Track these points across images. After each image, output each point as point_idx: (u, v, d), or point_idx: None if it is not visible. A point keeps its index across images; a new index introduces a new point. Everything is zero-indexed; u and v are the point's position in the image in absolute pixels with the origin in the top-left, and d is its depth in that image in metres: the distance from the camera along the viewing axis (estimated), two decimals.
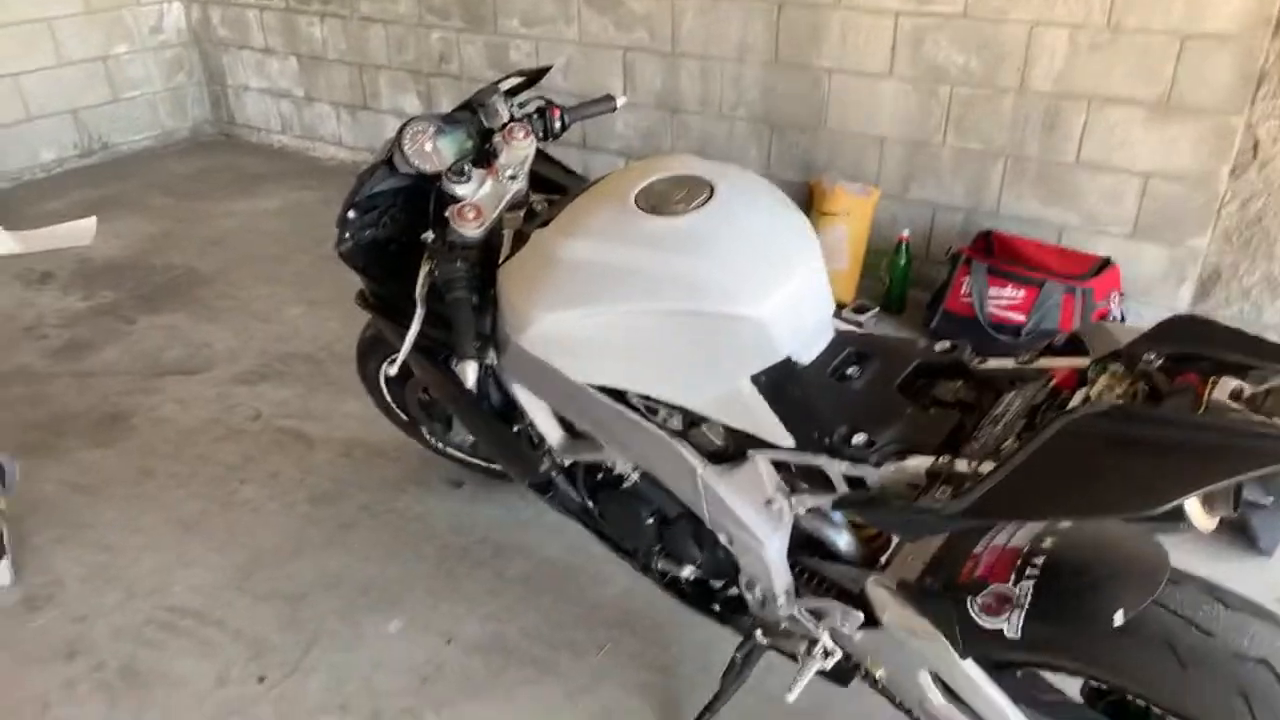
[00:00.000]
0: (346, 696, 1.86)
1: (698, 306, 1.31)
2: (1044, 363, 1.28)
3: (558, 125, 1.84)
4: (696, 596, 1.75)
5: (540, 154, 1.97)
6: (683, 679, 1.89)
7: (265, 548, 2.25)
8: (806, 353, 1.39)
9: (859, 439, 1.26)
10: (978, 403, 1.30)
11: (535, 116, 1.82)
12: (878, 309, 3.30)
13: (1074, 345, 1.27)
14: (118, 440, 2.65)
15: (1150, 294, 3.02)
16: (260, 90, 5.04)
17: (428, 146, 1.74)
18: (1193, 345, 1.07)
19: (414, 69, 4.38)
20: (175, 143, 5.14)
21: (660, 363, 1.41)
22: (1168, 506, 0.93)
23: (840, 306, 3.32)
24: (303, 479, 2.48)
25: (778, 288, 1.33)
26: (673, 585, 1.77)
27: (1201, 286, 2.95)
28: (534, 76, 1.91)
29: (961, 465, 1.17)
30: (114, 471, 2.51)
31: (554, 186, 1.90)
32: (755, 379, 1.37)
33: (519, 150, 1.71)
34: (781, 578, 1.49)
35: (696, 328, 1.33)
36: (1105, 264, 2.88)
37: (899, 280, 3.29)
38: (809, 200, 3.43)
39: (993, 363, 1.35)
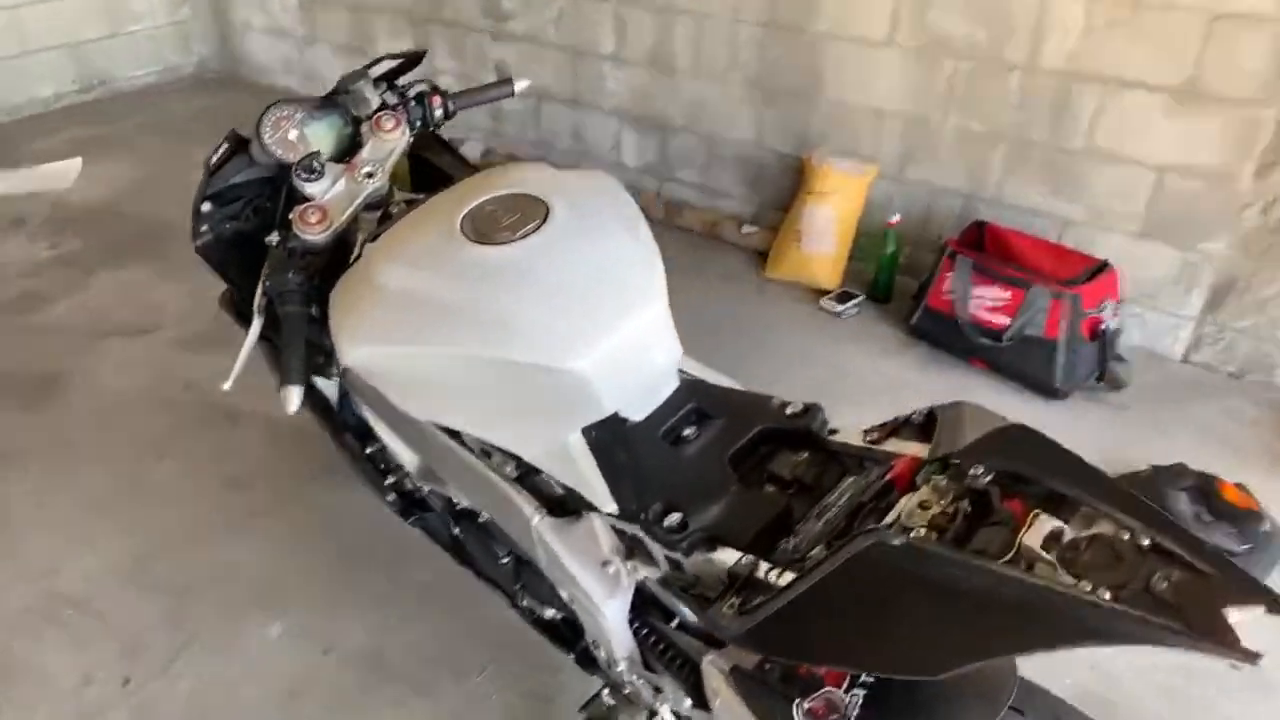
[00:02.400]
0: (208, 708, 1.79)
1: (512, 355, 1.14)
2: (893, 445, 1.10)
3: (438, 113, 1.66)
4: (564, 638, 1.62)
5: (434, 139, 1.80)
6: (562, 710, 1.77)
7: (167, 534, 2.17)
8: (639, 408, 1.22)
9: (672, 519, 1.10)
10: (816, 483, 1.13)
11: (412, 104, 1.64)
12: (862, 298, 3.07)
13: (931, 425, 1.08)
14: (47, 405, 2.60)
15: (1156, 300, 2.75)
16: (263, 29, 4.90)
17: (292, 134, 1.58)
18: (1027, 465, 0.88)
19: (410, 13, 4.19)
20: (179, 80, 5.05)
21: (486, 409, 1.25)
22: (946, 675, 0.77)
23: (823, 293, 3.11)
24: (221, 459, 2.40)
25: (604, 336, 1.16)
26: (539, 623, 1.64)
27: (1213, 295, 2.66)
28: (410, 60, 1.73)
29: (764, 570, 1.00)
30: (34, 440, 2.46)
31: (443, 178, 1.74)
32: (586, 432, 1.21)
33: (385, 143, 1.54)
34: (621, 643, 1.35)
35: (516, 377, 1.17)
36: (1102, 268, 2.61)
37: (886, 268, 3.06)
38: (799, 177, 3.20)
39: (844, 435, 1.17)
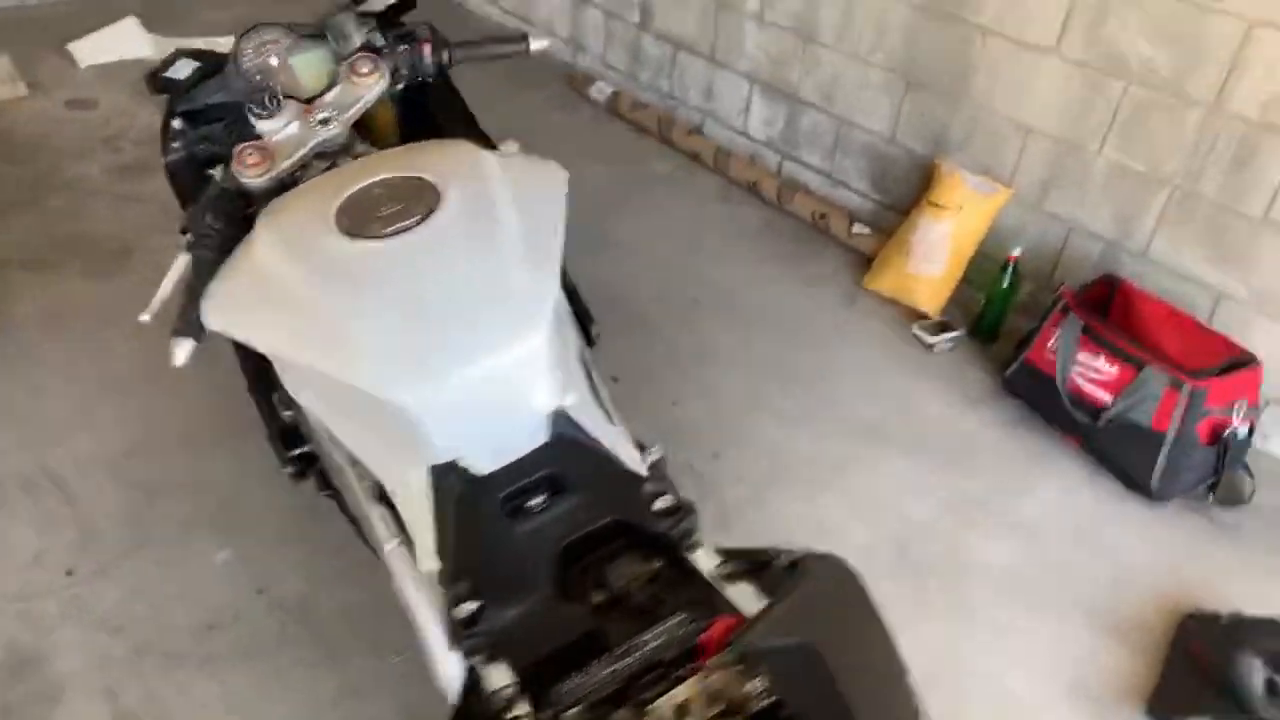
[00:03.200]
0: (130, 619, 1.78)
1: (340, 374, 0.99)
2: (739, 589, 0.88)
3: (427, 63, 1.49)
4: None
5: (444, 89, 1.64)
6: None
7: (163, 432, 2.18)
8: (487, 460, 1.04)
9: (466, 608, 0.93)
10: (639, 611, 0.93)
11: (401, 50, 1.48)
12: (961, 332, 2.72)
13: (798, 577, 0.85)
14: (112, 275, 2.67)
15: None
16: None
17: (273, 61, 1.45)
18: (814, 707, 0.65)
19: None
20: None
21: (342, 416, 1.11)
22: None
23: (920, 318, 2.77)
24: (237, 368, 2.39)
25: (446, 371, 0.98)
26: None
27: None
28: (400, 3, 1.56)
29: (522, 710, 0.82)
30: (89, 309, 2.54)
31: (432, 129, 1.58)
32: (435, 471, 1.04)
33: (354, 89, 1.39)
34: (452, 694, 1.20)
35: (355, 395, 1.01)
36: (1245, 362, 2.17)
37: (997, 305, 2.68)
38: (924, 183, 2.84)
39: (702, 554, 0.96)
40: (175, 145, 1.53)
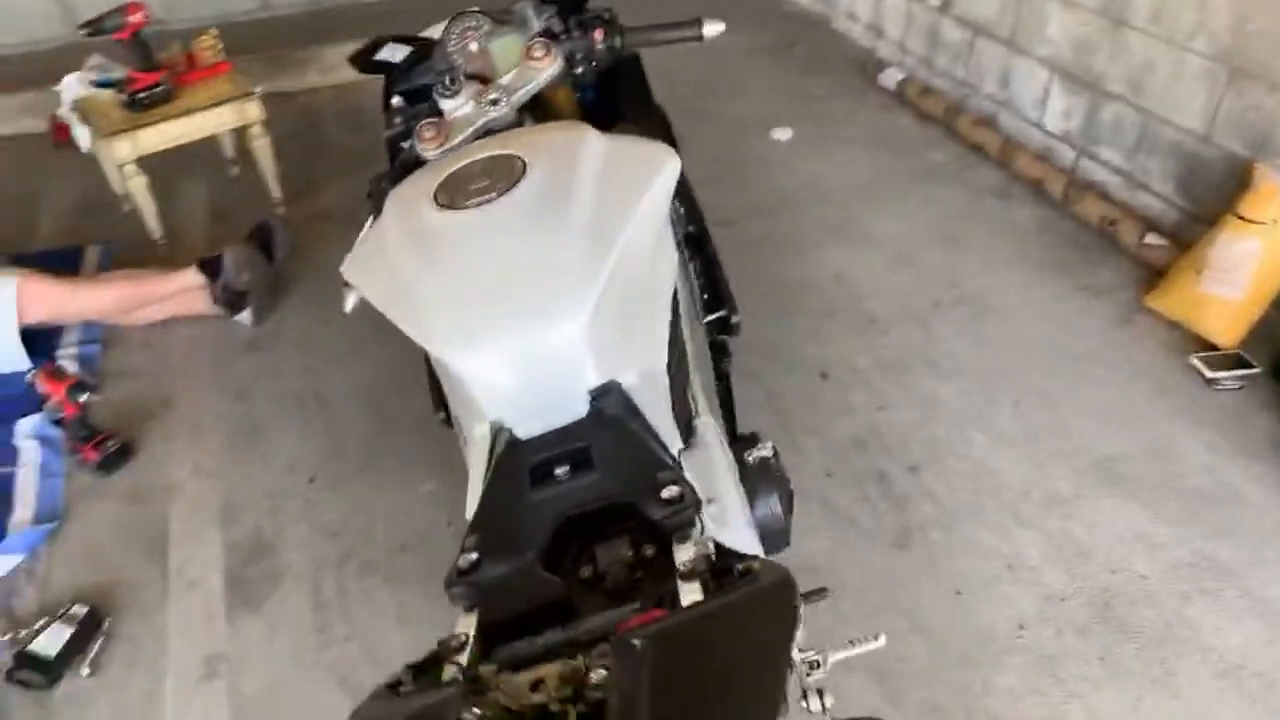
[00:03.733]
0: (345, 528, 2.08)
1: (412, 333, 1.09)
2: (688, 588, 0.85)
3: (600, 49, 1.55)
4: None
5: (627, 71, 1.69)
6: None
7: (410, 371, 2.49)
8: (526, 426, 1.09)
9: (465, 560, 0.99)
10: (604, 592, 0.93)
11: (576, 35, 1.55)
12: (1257, 371, 2.29)
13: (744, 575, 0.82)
14: None
15: None
16: None
17: (473, 47, 1.60)
18: None
19: None
20: None
21: (438, 371, 1.22)
22: None
23: (1206, 348, 2.37)
24: None
25: (491, 337, 1.04)
26: None
27: None
28: None
29: (462, 659, 0.87)
30: None
31: (615, 114, 1.64)
32: (492, 427, 1.12)
33: (527, 72, 1.49)
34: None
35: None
36: None
37: None
38: (1240, 191, 2.41)
39: (688, 547, 0.93)
40: (396, 121, 1.74)
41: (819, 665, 1.30)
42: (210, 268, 2.61)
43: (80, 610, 1.89)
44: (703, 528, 1.03)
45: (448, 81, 1.46)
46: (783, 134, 3.46)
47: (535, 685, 0.76)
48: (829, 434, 2.24)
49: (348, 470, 2.23)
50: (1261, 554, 1.90)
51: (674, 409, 1.20)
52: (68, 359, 2.57)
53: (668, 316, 1.24)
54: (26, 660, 1.81)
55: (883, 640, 1.47)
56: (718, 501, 1.16)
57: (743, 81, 3.89)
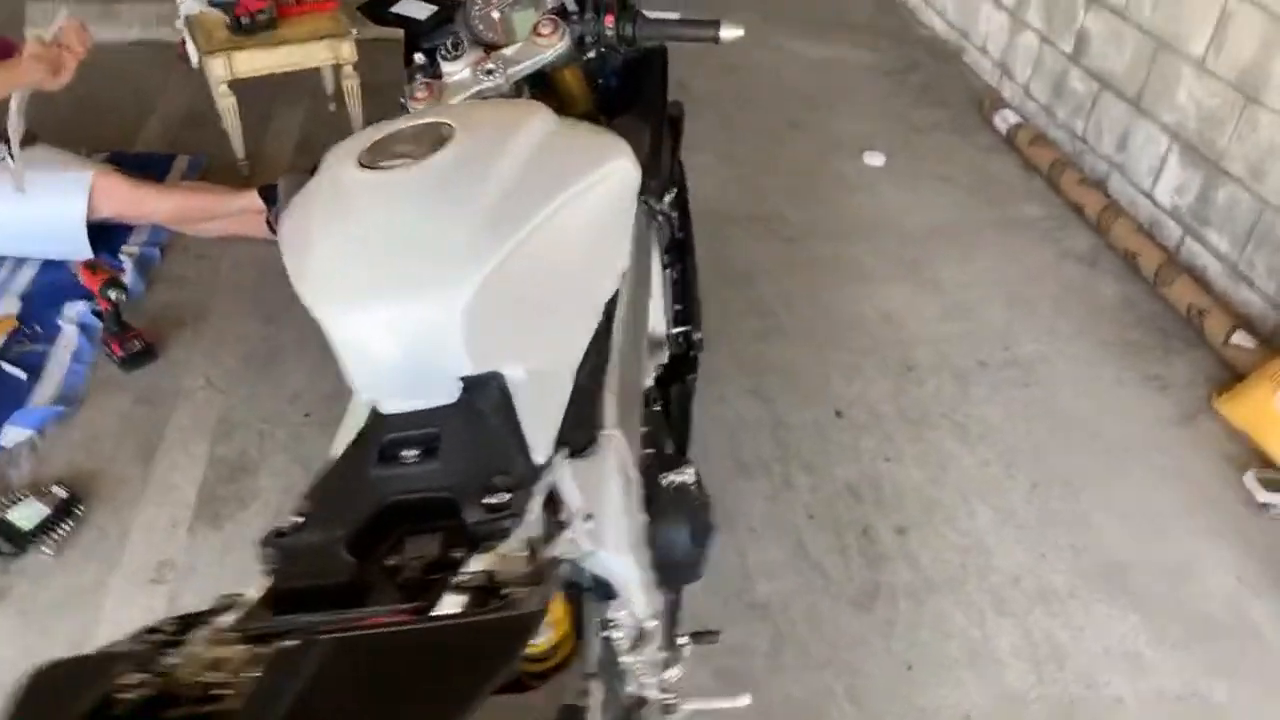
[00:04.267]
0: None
1: (293, 280, 1.06)
2: (448, 600, 0.79)
3: (609, 34, 1.49)
4: None
5: (650, 59, 1.63)
6: None
7: None
8: (390, 400, 1.05)
9: (285, 521, 0.96)
10: (403, 585, 0.88)
11: (589, 16, 1.49)
12: None
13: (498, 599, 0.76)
14: None
15: None
16: None
17: (495, 14, 1.57)
18: None
19: None
20: None
21: None
22: None
23: (1268, 467, 2.14)
24: None
25: (358, 304, 1.00)
26: None
27: None
28: None
29: (228, 619, 0.83)
30: None
31: (623, 102, 1.59)
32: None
33: (530, 48, 1.45)
34: None
35: None
36: None
37: None
38: None
39: (471, 564, 0.87)
40: (418, 79, 1.74)
41: (672, 710, 1.22)
42: (268, 194, 2.69)
43: (61, 492, 1.98)
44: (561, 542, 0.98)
45: (450, 44, 1.44)
46: (875, 159, 3.31)
47: (218, 664, 0.72)
48: (825, 475, 2.13)
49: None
50: (1263, 705, 1.71)
51: (572, 416, 1.13)
52: (128, 256, 2.69)
53: (593, 321, 1.18)
54: (1, 527, 1.91)
55: (746, 700, 1.38)
56: (599, 519, 1.10)
57: (849, 98, 3.75)
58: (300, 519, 0.96)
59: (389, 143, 1.12)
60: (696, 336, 1.52)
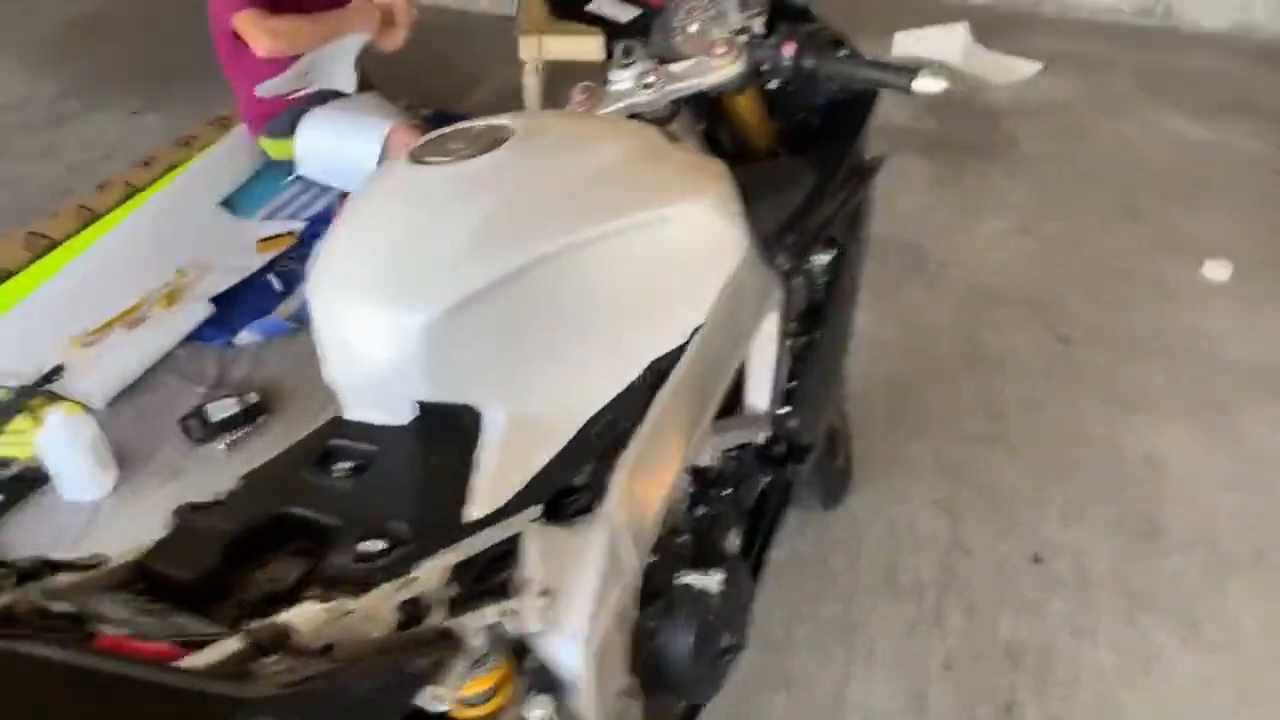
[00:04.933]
0: None
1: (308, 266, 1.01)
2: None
3: (784, 65, 1.28)
4: None
5: (853, 106, 1.41)
6: None
7: None
8: (350, 405, 0.96)
9: (214, 497, 0.91)
10: (244, 602, 0.78)
11: (768, 43, 1.29)
12: None
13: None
14: None
15: None
16: None
17: (693, 27, 1.43)
18: None
19: None
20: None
21: None
22: None
23: None
24: None
25: (342, 295, 0.93)
26: None
27: None
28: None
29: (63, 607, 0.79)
30: None
31: (815, 144, 1.39)
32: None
33: (701, 67, 1.30)
34: None
35: None
36: None
37: None
38: None
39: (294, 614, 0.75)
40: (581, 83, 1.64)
41: None
42: None
43: (253, 399, 2.18)
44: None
45: (623, 51, 1.34)
46: (1218, 271, 2.71)
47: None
48: (986, 624, 1.76)
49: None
50: None
51: (562, 474, 0.98)
52: None
53: (625, 375, 1.02)
54: (198, 414, 2.13)
55: None
56: (560, 599, 0.95)
57: (1213, 193, 3.10)
58: (220, 499, 0.92)
59: (450, 138, 1.05)
60: (792, 424, 1.29)
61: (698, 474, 1.25)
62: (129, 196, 2.91)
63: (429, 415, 0.92)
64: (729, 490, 1.26)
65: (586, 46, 2.95)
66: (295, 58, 2.51)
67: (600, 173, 0.99)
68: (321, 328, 0.95)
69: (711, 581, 1.13)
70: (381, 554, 0.80)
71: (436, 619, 0.86)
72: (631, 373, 1.02)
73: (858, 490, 2.03)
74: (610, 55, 1.55)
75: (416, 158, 1.00)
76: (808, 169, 1.32)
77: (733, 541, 1.25)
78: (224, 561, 0.83)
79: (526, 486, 0.93)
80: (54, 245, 2.68)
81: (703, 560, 1.15)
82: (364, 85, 2.89)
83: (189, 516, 0.90)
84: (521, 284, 0.92)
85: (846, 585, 1.85)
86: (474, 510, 0.88)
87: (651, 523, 1.06)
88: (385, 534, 0.82)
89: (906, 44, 4.07)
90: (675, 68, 1.32)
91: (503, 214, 0.93)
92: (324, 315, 0.94)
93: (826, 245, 1.37)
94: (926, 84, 1.20)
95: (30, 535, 1.95)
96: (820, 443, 1.48)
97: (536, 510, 0.94)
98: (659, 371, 1.04)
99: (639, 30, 1.54)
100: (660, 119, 1.33)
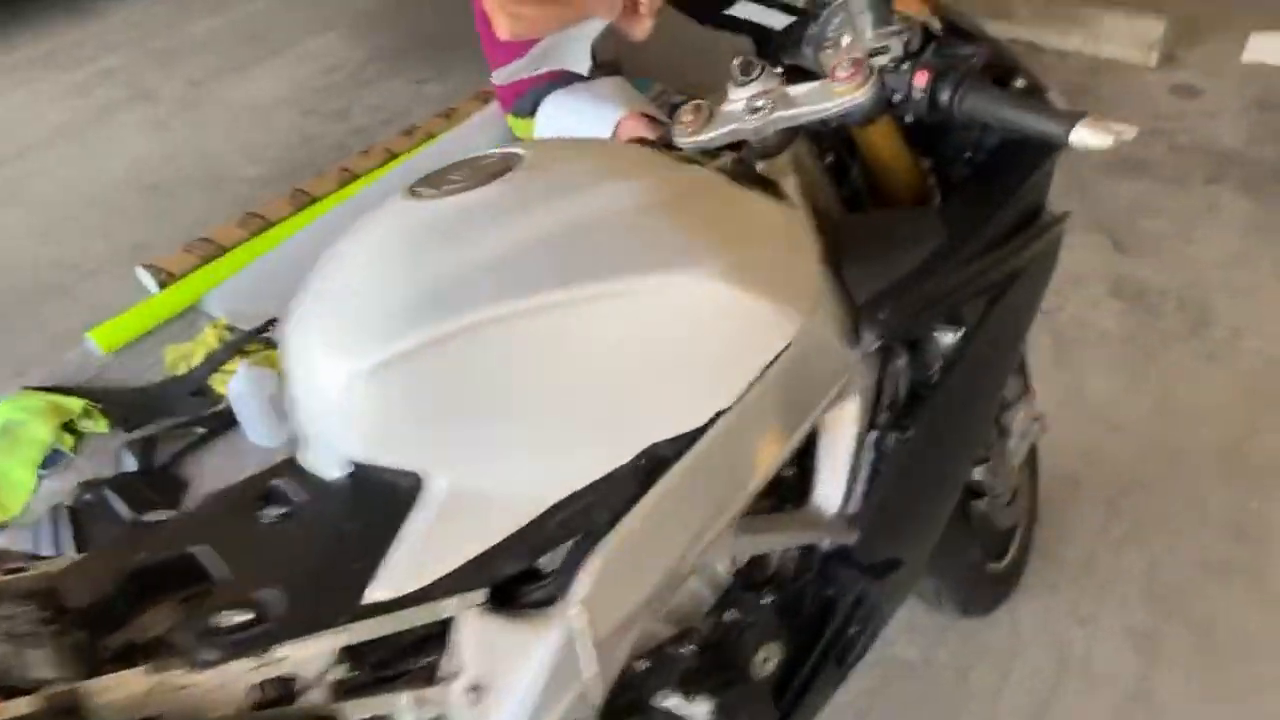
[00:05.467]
0: None
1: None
2: None
3: (916, 98, 1.01)
4: None
5: (1023, 156, 1.12)
6: None
7: None
8: (302, 452, 0.88)
9: (157, 517, 0.88)
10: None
11: (903, 70, 1.03)
12: None
13: None
14: None
15: None
16: None
17: (845, 39, 1.20)
18: None
19: None
20: None
21: None
22: None
23: None
24: None
25: (296, 335, 0.85)
26: None
27: None
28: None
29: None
30: None
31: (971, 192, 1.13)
32: None
33: (822, 93, 1.08)
34: None
35: None
36: None
37: None
38: None
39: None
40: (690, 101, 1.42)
41: None
42: None
43: None
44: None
45: (741, 65, 1.15)
46: None
47: None
48: None
49: None
50: None
51: (518, 556, 0.86)
52: None
53: (608, 458, 0.87)
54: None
55: None
56: (487, 696, 0.84)
57: None
58: (168, 517, 0.90)
59: (456, 168, 0.94)
60: (849, 537, 1.04)
61: (747, 569, 1.07)
62: (385, 162, 3.12)
63: (366, 476, 0.83)
64: (771, 597, 1.06)
65: None
66: (533, 42, 2.53)
67: (588, 226, 0.84)
68: (285, 364, 0.89)
69: (699, 711, 0.95)
70: (240, 627, 0.73)
71: (315, 700, 0.78)
72: (619, 457, 0.86)
73: (1028, 595, 1.70)
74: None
75: (412, 191, 0.90)
76: (936, 223, 1.06)
77: (764, 664, 1.05)
78: (122, 593, 0.80)
79: (461, 568, 0.81)
80: (312, 201, 2.94)
81: (700, 679, 0.97)
82: (613, 70, 2.86)
83: (135, 528, 0.88)
84: (474, 344, 0.79)
85: (982, 713, 1.55)
86: (378, 589, 0.78)
87: (627, 627, 0.90)
88: (254, 604, 0.75)
89: (1261, 44, 3.36)
90: (795, 90, 1.11)
91: (455, 266, 0.81)
92: (283, 345, 0.88)
93: (950, 322, 1.10)
94: (1088, 136, 0.91)
95: (218, 471, 2.14)
96: (920, 560, 1.21)
97: (479, 595, 0.83)
98: (659, 458, 0.87)
99: (793, 41, 1.33)
100: (768, 150, 1.13)
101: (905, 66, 1.04)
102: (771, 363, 0.89)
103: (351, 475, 0.83)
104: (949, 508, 1.22)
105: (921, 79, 1.01)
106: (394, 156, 3.15)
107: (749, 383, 0.89)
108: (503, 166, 0.89)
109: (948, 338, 1.10)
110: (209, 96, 3.90)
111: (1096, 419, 2.03)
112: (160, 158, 3.48)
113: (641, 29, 2.57)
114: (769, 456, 0.95)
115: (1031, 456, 1.63)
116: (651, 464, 0.87)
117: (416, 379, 0.80)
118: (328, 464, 0.84)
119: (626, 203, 0.86)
